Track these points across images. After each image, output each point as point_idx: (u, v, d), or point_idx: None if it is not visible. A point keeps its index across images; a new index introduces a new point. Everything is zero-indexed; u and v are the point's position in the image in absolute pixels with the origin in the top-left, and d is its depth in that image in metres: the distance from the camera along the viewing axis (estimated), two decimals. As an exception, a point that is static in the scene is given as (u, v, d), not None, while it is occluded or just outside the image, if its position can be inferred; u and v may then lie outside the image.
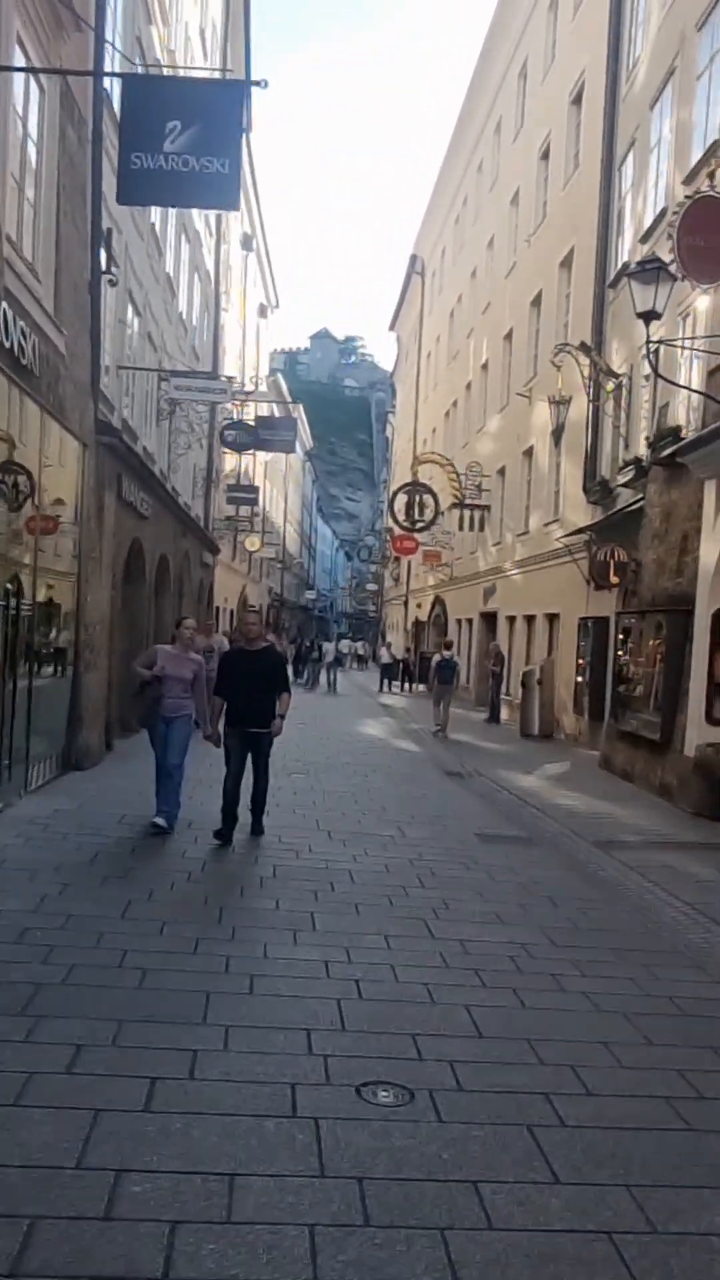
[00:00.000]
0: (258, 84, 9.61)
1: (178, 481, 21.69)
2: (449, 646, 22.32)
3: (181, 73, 17.98)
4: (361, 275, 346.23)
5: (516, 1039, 4.55)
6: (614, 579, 14.44)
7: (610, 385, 16.09)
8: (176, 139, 8.99)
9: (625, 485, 15.84)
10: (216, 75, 19.84)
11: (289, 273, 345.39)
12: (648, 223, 16.02)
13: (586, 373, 16.54)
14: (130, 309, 15.34)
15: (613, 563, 14.38)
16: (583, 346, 16.47)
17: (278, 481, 62.51)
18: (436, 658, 21.22)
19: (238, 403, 20.28)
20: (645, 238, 15.97)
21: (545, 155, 24.13)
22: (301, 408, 78.50)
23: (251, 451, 27.57)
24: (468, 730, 20.90)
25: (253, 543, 33.95)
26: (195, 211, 23.14)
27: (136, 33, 14.75)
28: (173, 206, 16.06)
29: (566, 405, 17.02)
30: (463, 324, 34.06)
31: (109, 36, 11.85)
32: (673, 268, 10.56)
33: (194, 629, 9.73)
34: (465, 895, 7.05)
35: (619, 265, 17.58)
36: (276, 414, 28.02)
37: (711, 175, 11.41)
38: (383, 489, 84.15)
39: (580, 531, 18.20)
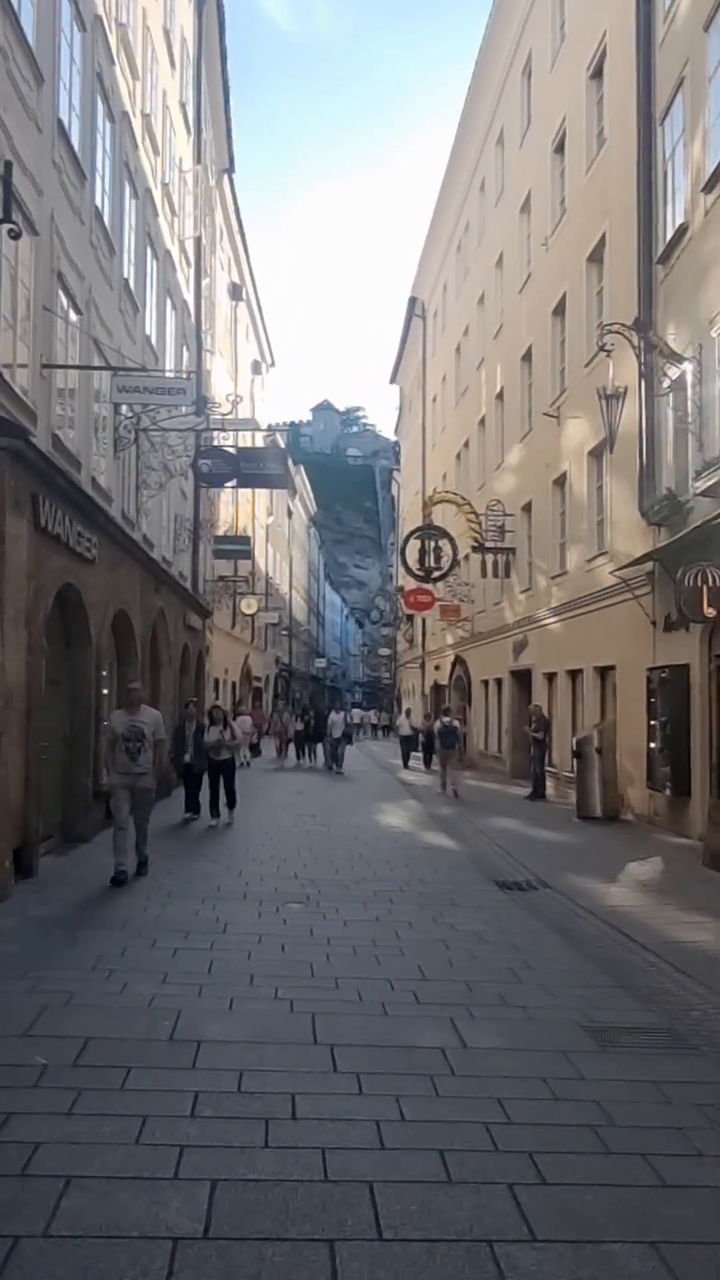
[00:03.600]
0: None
1: (149, 529, 18.29)
2: (448, 712, 22.58)
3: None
4: (361, 346, 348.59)
5: None
6: (708, 610, 10.80)
7: (672, 370, 12.63)
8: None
9: (705, 494, 12.31)
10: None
11: (289, 347, 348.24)
12: (710, 168, 12.76)
13: (639, 361, 13.14)
14: (62, 296, 12.02)
15: (707, 589, 10.75)
16: (637, 324, 13.07)
17: (281, 546, 59.43)
18: (437, 724, 22.11)
19: (215, 430, 16.85)
20: (710, 186, 12.68)
21: (560, 148, 21.18)
22: (304, 470, 76.17)
23: (236, 491, 24.19)
24: (510, 810, 17.11)
25: (250, 605, 30.51)
26: (164, 227, 20.21)
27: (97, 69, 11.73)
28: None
29: (621, 399, 13.52)
30: (471, 356, 31.04)
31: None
32: None
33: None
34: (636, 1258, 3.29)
35: (669, 234, 14.32)
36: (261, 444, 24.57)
37: None
38: (391, 552, 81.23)
39: (640, 561, 14.67)
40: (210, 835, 13.29)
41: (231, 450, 17.45)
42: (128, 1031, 5.17)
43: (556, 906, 9.05)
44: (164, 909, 8.33)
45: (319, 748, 28.16)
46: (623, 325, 13.42)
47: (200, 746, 14.45)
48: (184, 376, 13.71)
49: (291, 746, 28.83)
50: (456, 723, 21.47)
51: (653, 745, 14.45)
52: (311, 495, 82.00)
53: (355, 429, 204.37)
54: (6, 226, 8.97)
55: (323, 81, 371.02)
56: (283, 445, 18.28)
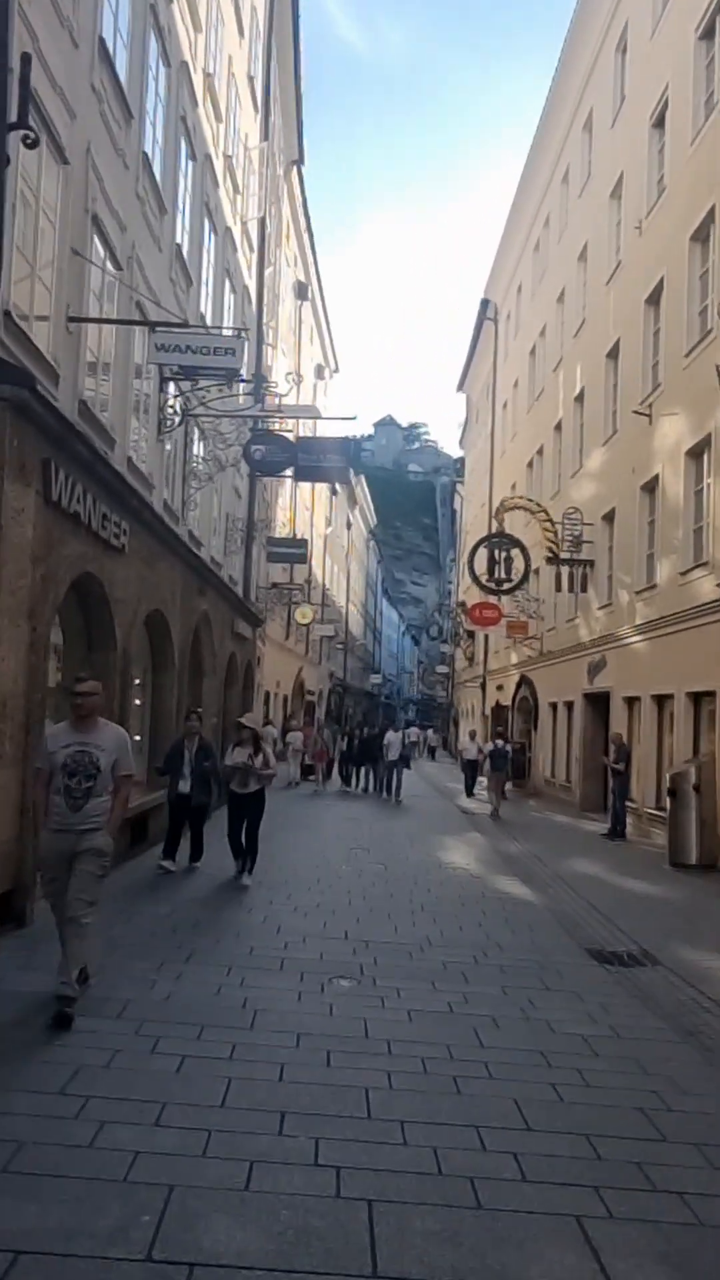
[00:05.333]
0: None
1: (198, 526, 16.66)
2: (501, 736, 23.42)
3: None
4: (424, 362, 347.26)
5: None
6: None
7: None
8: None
9: None
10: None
11: (353, 360, 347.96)
12: None
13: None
14: (98, 244, 10.42)
15: None
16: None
17: (339, 557, 57.84)
18: (488, 746, 22.76)
19: (272, 415, 15.10)
20: None
21: (659, 122, 19.30)
22: (364, 481, 74.58)
23: (294, 495, 22.50)
24: (588, 851, 15.11)
25: (305, 614, 28.76)
26: (224, 201, 18.67)
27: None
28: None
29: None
30: (548, 358, 29.11)
31: None
32: None
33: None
34: None
35: None
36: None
37: None
38: (450, 569, 79.19)
39: (753, 572, 12.66)
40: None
41: (289, 436, 15.71)
42: (84, 1234, 3.36)
43: (675, 995, 7.10)
44: (179, 983, 6.54)
45: (364, 771, 25.36)
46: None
47: (203, 772, 11.08)
48: (236, 334, 11.89)
49: (335, 768, 26.14)
50: (509, 746, 22.39)
51: (764, 786, 12.44)
52: (372, 507, 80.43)
53: (416, 445, 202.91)
54: (21, 132, 7.35)
55: (392, 101, 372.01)
56: (347, 436, 16.68)
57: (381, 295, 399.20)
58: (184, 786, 10.94)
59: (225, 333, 12.16)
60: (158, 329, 10.54)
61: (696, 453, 16.25)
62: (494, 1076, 5.13)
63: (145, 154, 12.36)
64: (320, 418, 22.16)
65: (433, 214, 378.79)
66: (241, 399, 14.73)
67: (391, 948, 7.99)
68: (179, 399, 13.58)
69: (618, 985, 7.31)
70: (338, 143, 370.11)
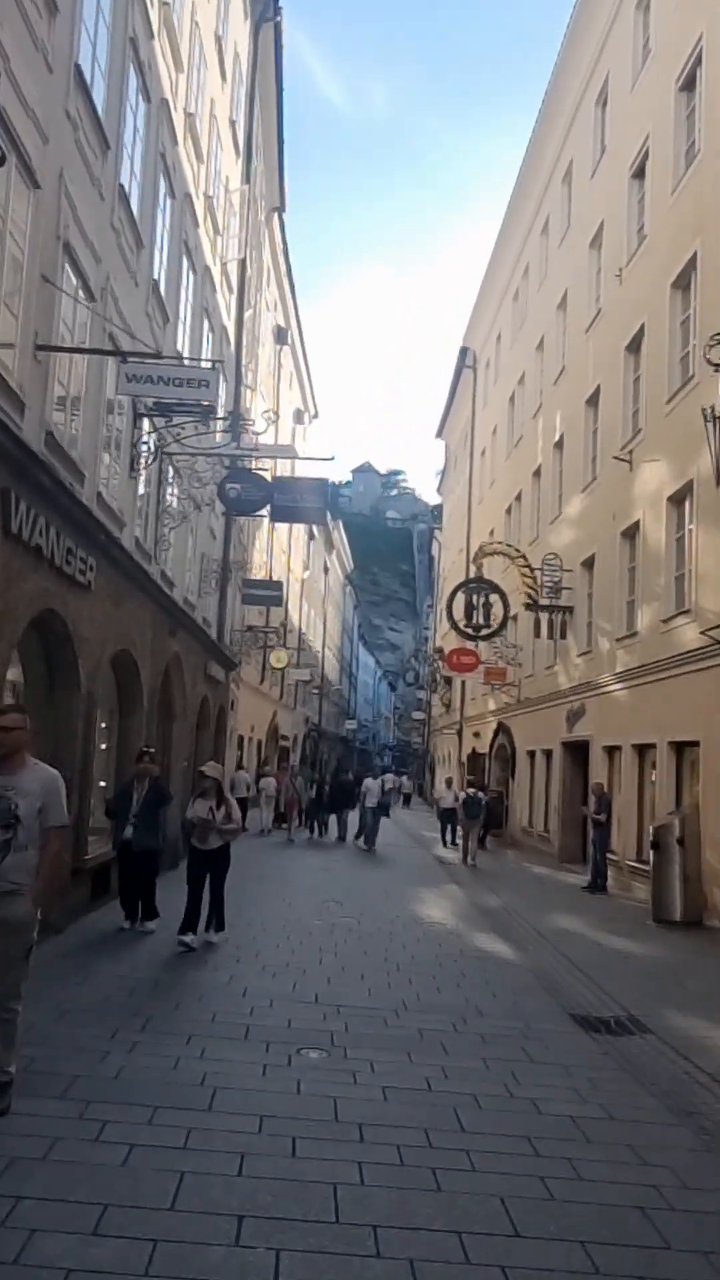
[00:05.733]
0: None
1: (171, 566, 16.26)
2: (474, 784, 23.99)
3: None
4: (402, 410, 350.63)
5: None
6: None
7: None
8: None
9: None
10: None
11: (331, 407, 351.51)
12: None
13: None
14: (70, 272, 10.10)
15: None
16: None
17: (316, 602, 57.54)
18: (462, 795, 22.79)
19: (248, 454, 14.74)
20: None
21: (639, 173, 19.39)
22: (341, 524, 74.57)
23: (271, 538, 22.13)
24: (568, 905, 14.63)
25: (279, 658, 28.30)
26: (204, 241, 18.53)
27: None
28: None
29: (731, 422, 11.33)
30: (527, 405, 29.11)
31: None
32: None
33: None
34: None
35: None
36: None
37: None
38: (427, 615, 79.06)
39: (739, 620, 12.38)
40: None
41: (265, 475, 15.34)
42: None
43: (669, 1068, 6.63)
44: (132, 1055, 6.00)
45: (334, 820, 24.43)
46: (735, 336, 11.29)
47: (153, 817, 9.93)
48: (210, 366, 11.52)
49: (305, 817, 25.26)
50: (483, 794, 22.55)
51: (751, 840, 12.05)
52: (349, 553, 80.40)
53: (395, 492, 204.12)
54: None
55: (374, 158, 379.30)
56: (324, 477, 16.38)
57: (361, 344, 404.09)
58: (128, 833, 9.82)
59: (202, 365, 11.79)
60: (129, 359, 10.17)
61: (678, 499, 16.05)
62: (477, 1168, 4.64)
63: (122, 186, 12.12)
64: (297, 457, 21.93)
65: (413, 266, 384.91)
66: (218, 437, 14.36)
67: (365, 1013, 7.48)
68: (153, 435, 13.24)
69: (606, 1056, 6.83)
70: (320, 197, 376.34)
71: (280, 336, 37.63)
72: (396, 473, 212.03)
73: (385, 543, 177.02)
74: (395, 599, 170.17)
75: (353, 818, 24.03)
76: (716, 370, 11.55)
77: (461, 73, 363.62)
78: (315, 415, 50.57)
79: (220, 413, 12.54)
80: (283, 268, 36.46)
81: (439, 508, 59.32)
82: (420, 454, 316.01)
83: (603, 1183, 4.58)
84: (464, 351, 41.53)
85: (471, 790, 22.73)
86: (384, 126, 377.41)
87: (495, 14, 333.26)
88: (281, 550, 39.72)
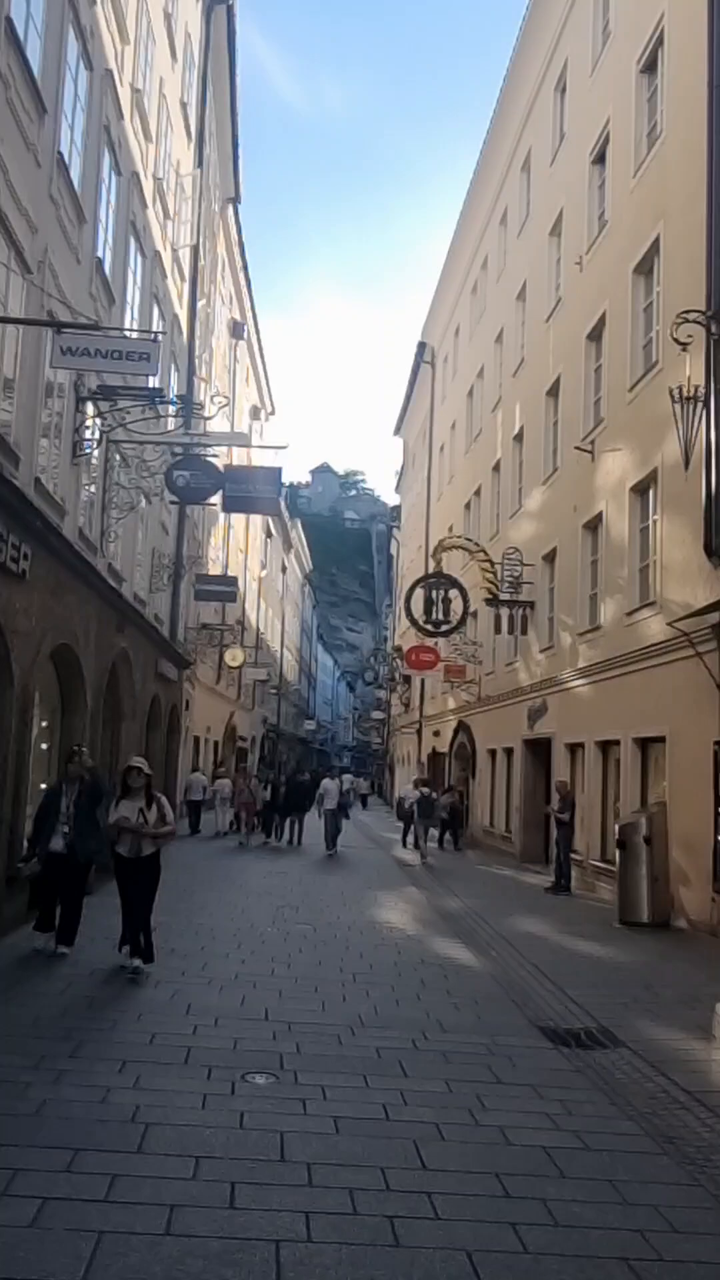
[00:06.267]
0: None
1: (120, 560, 15.60)
2: (426, 783, 24.29)
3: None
4: (362, 411, 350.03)
5: None
6: None
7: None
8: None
9: None
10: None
11: (290, 408, 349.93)
12: None
13: (709, 362, 10.56)
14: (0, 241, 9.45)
15: None
16: (715, 314, 10.52)
17: (274, 601, 56.88)
18: (415, 794, 22.86)
19: (198, 443, 14.09)
20: None
21: (600, 159, 19.03)
22: (300, 524, 73.92)
23: (228, 535, 21.50)
24: (532, 907, 14.18)
25: (235, 657, 27.65)
26: (153, 224, 17.88)
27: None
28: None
29: (700, 402, 10.89)
30: (486, 398, 28.73)
31: None
32: None
33: None
34: None
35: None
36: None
37: None
38: (386, 615, 78.60)
39: (707, 610, 11.98)
40: (157, 939, 10.33)
41: (215, 461, 14.67)
42: None
43: (644, 1086, 6.14)
44: (57, 1087, 5.39)
45: (290, 823, 23.02)
46: (700, 313, 10.86)
47: (95, 824, 8.73)
48: (152, 338, 10.86)
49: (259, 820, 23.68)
50: (435, 794, 23.41)
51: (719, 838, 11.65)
52: (308, 553, 79.78)
53: (354, 493, 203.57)
54: None
55: (332, 159, 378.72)
56: (277, 466, 15.74)
57: (320, 346, 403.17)
58: (56, 844, 8.60)
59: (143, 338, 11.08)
60: (65, 330, 9.54)
61: (642, 489, 15.68)
62: (440, 1215, 4.10)
63: (61, 155, 11.47)
64: (249, 445, 21.30)
65: (372, 266, 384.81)
66: (170, 423, 13.73)
67: (318, 1030, 6.92)
68: (96, 420, 12.59)
69: (578, 1075, 6.33)
70: (277, 196, 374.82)
71: (236, 331, 36.94)
72: (355, 474, 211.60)
73: (344, 543, 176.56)
74: (354, 599, 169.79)
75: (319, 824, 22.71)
76: (684, 349, 11.11)
77: (419, 71, 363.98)
78: (272, 412, 49.95)
79: (171, 395, 11.88)
80: (238, 261, 35.78)
81: (398, 508, 58.89)
82: (379, 455, 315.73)
83: (581, 1228, 4.06)
84: (422, 346, 41.10)
85: (426, 790, 23.11)
86: (341, 125, 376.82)
87: (453, 11, 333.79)
88: (239, 549, 39.04)
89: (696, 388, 11.06)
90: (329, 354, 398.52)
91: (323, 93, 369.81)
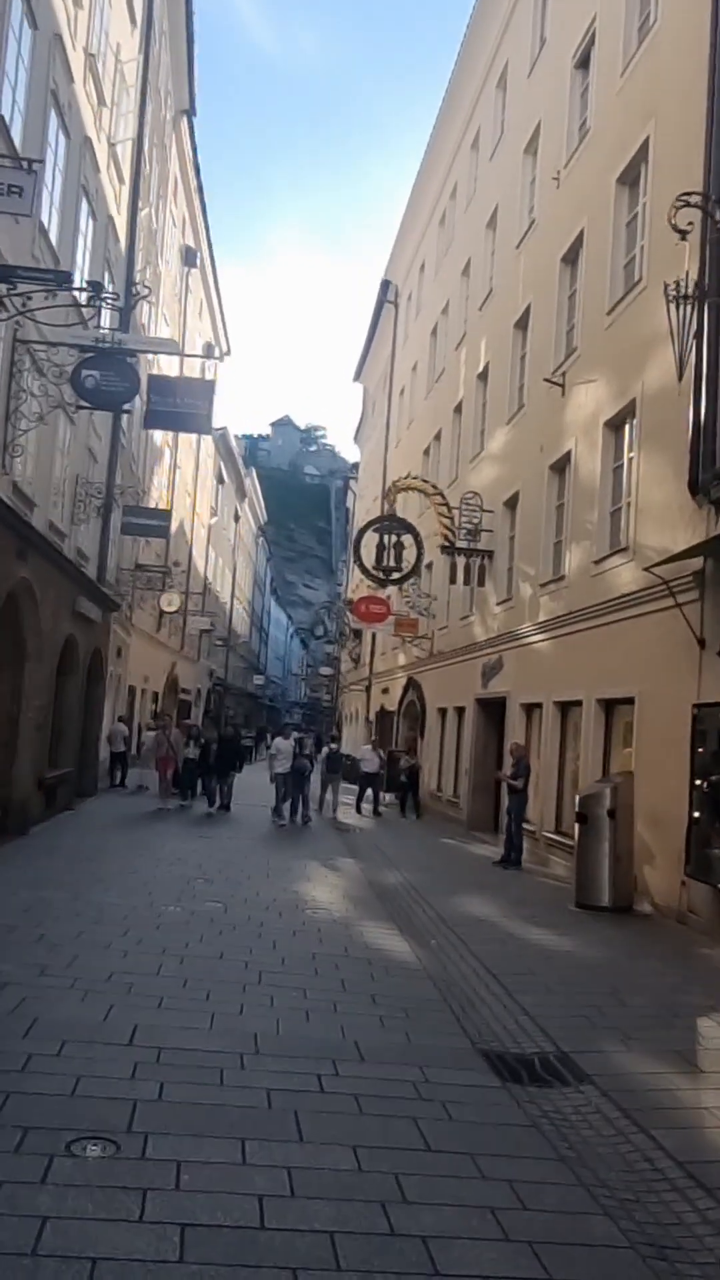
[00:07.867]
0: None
1: (32, 484, 13.70)
2: (335, 740, 25.21)
3: None
4: (324, 365, 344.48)
5: None
6: None
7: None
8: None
9: None
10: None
11: (251, 359, 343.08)
12: None
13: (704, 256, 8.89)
14: None
15: None
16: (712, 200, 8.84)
17: (225, 551, 54.82)
18: (325, 750, 22.89)
19: (116, 346, 11.99)
20: None
21: (583, 62, 17.17)
22: (255, 473, 71.58)
23: (172, 472, 19.47)
24: (478, 884, 12.71)
25: (171, 601, 25.77)
26: (83, 104, 15.78)
27: None
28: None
29: (695, 301, 9.22)
30: (450, 336, 26.90)
31: None
32: None
33: None
34: None
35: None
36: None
37: None
38: (342, 571, 76.73)
39: (686, 555, 10.42)
40: (28, 921, 8.66)
41: (132, 364, 12.58)
42: None
43: (621, 1151, 4.60)
44: None
45: (218, 785, 19.92)
46: (700, 194, 9.16)
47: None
48: (26, 166, 8.86)
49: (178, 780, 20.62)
50: (343, 750, 24.24)
51: (696, 815, 10.18)
52: (263, 504, 77.50)
53: (314, 448, 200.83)
54: None
55: (301, 108, 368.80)
56: (210, 379, 13.78)
57: (283, 298, 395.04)
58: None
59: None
60: None
61: (617, 424, 14.08)
62: None
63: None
64: (179, 353, 19.25)
65: (339, 221, 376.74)
66: (83, 313, 11.75)
67: (195, 1061, 5.28)
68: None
69: (534, 1133, 4.77)
70: (244, 145, 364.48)
71: (189, 258, 34.58)
72: (317, 428, 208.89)
73: (303, 498, 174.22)
74: (311, 555, 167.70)
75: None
76: (683, 239, 9.40)
77: (393, 24, 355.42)
78: (228, 351, 47.46)
79: (78, 283, 9.97)
80: (193, 182, 33.36)
81: (358, 465, 56.86)
82: (342, 411, 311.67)
83: None
84: (385, 285, 38.99)
85: (334, 746, 22.93)
86: (315, 75, 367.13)
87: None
88: (186, 490, 36.96)
89: (695, 283, 9.37)
90: (294, 306, 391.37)
91: (296, 38, 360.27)
